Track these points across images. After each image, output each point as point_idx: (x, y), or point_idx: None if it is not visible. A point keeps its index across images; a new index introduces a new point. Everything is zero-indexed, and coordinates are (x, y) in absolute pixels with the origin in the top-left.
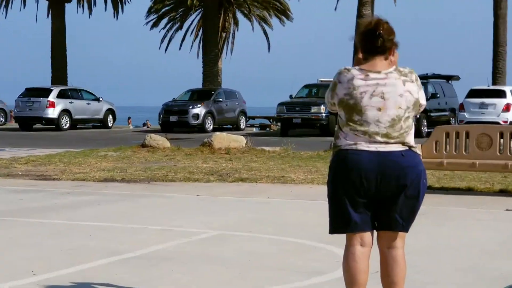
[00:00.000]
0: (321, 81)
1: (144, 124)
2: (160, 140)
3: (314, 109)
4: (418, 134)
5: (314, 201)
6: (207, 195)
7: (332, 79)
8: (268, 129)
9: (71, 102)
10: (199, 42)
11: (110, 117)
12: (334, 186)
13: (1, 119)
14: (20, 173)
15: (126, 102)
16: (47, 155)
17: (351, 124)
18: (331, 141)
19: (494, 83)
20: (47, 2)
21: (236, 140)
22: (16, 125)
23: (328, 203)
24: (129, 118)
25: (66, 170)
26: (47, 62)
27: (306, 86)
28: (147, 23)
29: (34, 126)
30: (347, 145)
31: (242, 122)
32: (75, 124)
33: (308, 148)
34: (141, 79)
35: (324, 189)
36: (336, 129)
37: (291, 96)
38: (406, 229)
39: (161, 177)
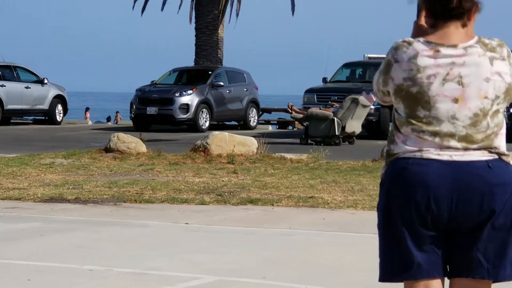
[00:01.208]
0: (369, 58)
1: (109, 119)
2: (132, 142)
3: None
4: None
5: (357, 234)
6: (200, 223)
7: (385, 56)
8: (290, 127)
9: (2, 86)
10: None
11: (59, 107)
12: (388, 211)
13: None
14: None
15: (83, 87)
16: None
17: (413, 122)
18: (383, 147)
19: None
20: None
21: (244, 143)
22: None
23: (378, 236)
24: (87, 109)
25: None
26: None
27: (347, 66)
28: None
29: None
30: (407, 153)
31: (253, 117)
32: (8, 117)
33: (349, 155)
34: (105, 54)
35: (372, 216)
36: (390, 129)
37: (325, 80)
38: (493, 276)
39: (133, 196)
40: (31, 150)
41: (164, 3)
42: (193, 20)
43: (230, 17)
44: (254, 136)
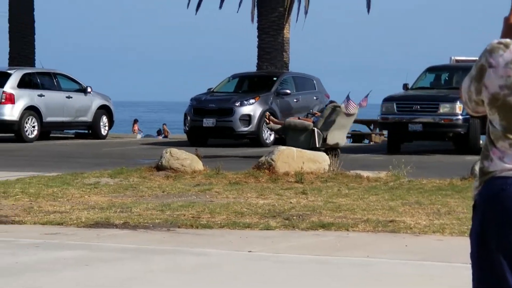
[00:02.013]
0: (456, 61)
1: (160, 132)
2: (187, 159)
3: (444, 108)
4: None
5: (447, 264)
6: (265, 251)
7: (476, 60)
8: (366, 141)
9: (41, 95)
10: None
11: (104, 119)
12: (483, 239)
13: None
14: None
15: (130, 96)
16: (1, 182)
17: (511, 136)
18: (474, 163)
19: None
20: None
21: (314, 160)
22: None
23: (472, 267)
24: (135, 121)
25: (33, 207)
26: (1, 30)
27: (431, 70)
28: None
29: None
30: (505, 171)
31: None
32: (47, 130)
33: (435, 173)
34: (153, 58)
35: (463, 243)
36: (484, 143)
37: (405, 87)
38: None
39: (188, 220)
40: (73, 168)
41: (222, 0)
42: (255, 19)
43: (297, 15)
44: (325, 151)
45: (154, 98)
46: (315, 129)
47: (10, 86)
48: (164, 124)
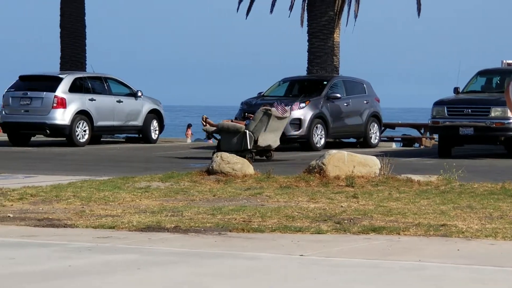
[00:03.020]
0: (508, 64)
1: (209, 137)
2: (238, 163)
3: (496, 112)
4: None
5: (500, 268)
6: (317, 255)
7: None
8: (416, 144)
9: (92, 100)
10: (303, 0)
11: (155, 123)
12: None
13: None
14: (10, 216)
15: (182, 100)
16: (53, 186)
17: None
18: None
19: None
20: None
21: (365, 164)
22: (4, 136)
23: None
24: (189, 126)
25: (84, 211)
26: (53, 35)
27: (482, 74)
28: None
29: (33, 139)
30: None
31: (374, 133)
32: (98, 135)
33: (486, 177)
34: (203, 62)
35: None
36: None
37: (456, 90)
38: None
39: (240, 224)
40: (124, 172)
41: (273, 5)
42: (305, 23)
43: (347, 20)
44: (376, 155)
45: (204, 103)
46: (247, 131)
47: (61, 91)
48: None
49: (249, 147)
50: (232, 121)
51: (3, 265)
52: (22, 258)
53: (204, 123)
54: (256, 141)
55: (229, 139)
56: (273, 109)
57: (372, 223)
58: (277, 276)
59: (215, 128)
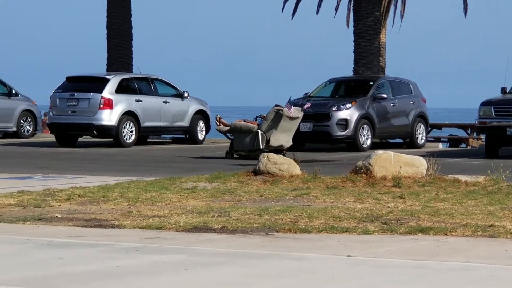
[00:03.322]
0: None
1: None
2: (284, 163)
3: None
4: None
5: None
6: (364, 255)
7: None
8: (463, 145)
9: (138, 100)
10: (349, 1)
11: (201, 124)
12: None
13: (28, 127)
14: (58, 216)
15: (226, 100)
16: (101, 186)
17: None
18: None
19: None
20: None
21: (412, 164)
22: (52, 137)
23: None
24: None
25: (131, 211)
26: (100, 36)
27: None
28: None
29: (80, 139)
30: None
31: (421, 133)
32: (145, 136)
33: None
34: (248, 62)
35: None
36: None
37: (504, 91)
38: None
39: (286, 224)
40: (170, 173)
41: (319, 5)
42: (351, 24)
43: (393, 20)
44: (423, 156)
45: (249, 103)
46: (259, 131)
47: (108, 92)
48: None
49: (261, 147)
50: (244, 121)
51: (52, 265)
52: (70, 259)
53: (218, 123)
54: (268, 141)
55: (242, 139)
56: (285, 109)
57: (419, 224)
58: (324, 276)
59: (228, 128)
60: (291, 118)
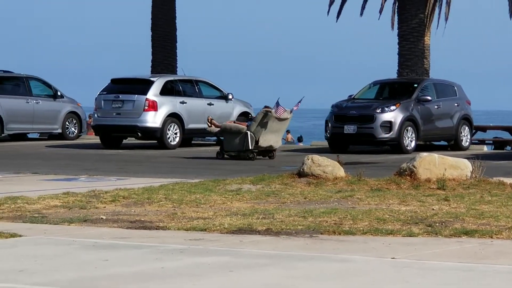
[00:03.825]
0: None
1: (300, 139)
2: (329, 165)
3: None
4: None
5: None
6: (408, 258)
7: None
8: (508, 147)
9: (183, 102)
10: (394, 3)
11: None
12: None
13: (73, 129)
14: (103, 218)
15: (271, 102)
16: (145, 188)
17: None
18: None
19: None
20: None
21: (456, 166)
22: (97, 139)
23: None
24: (287, 131)
25: (176, 213)
26: (144, 38)
27: None
28: None
29: (125, 141)
30: None
31: (465, 136)
32: (189, 137)
33: None
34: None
35: None
36: None
37: None
38: None
39: (331, 226)
40: (215, 175)
41: (363, 7)
42: (396, 26)
43: (438, 22)
44: (467, 158)
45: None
46: (248, 132)
47: (153, 94)
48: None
49: (250, 147)
50: (234, 122)
51: (97, 267)
52: (115, 260)
53: (209, 124)
54: (257, 142)
55: (231, 140)
56: (273, 110)
57: (464, 226)
58: (369, 279)
59: (219, 129)
60: (279, 119)
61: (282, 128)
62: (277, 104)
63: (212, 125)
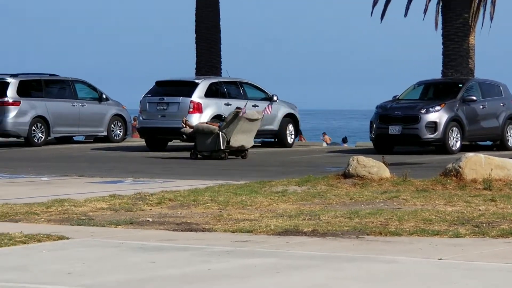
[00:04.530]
0: None
1: (345, 140)
2: (374, 166)
3: None
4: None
5: None
6: (455, 259)
7: None
8: None
9: (227, 104)
10: (438, 3)
11: (291, 127)
12: None
13: (118, 132)
14: (150, 220)
15: (316, 104)
16: (191, 190)
17: None
18: None
19: None
20: None
21: (503, 167)
22: (142, 141)
23: None
24: (324, 134)
25: (222, 215)
26: (189, 40)
27: None
28: None
29: (170, 144)
30: None
31: (511, 136)
32: None
33: None
34: (336, 66)
35: None
36: None
37: None
38: None
39: (377, 227)
40: (260, 176)
41: (407, 8)
42: (440, 26)
43: (482, 22)
44: None
45: (337, 107)
46: (220, 132)
47: (197, 96)
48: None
49: (222, 147)
50: (207, 123)
51: (144, 269)
52: (162, 262)
53: (184, 125)
54: (228, 142)
55: (204, 140)
56: (243, 110)
57: (511, 227)
58: (416, 280)
59: (192, 130)
60: (250, 120)
61: (253, 129)
62: (245, 104)
63: (186, 126)
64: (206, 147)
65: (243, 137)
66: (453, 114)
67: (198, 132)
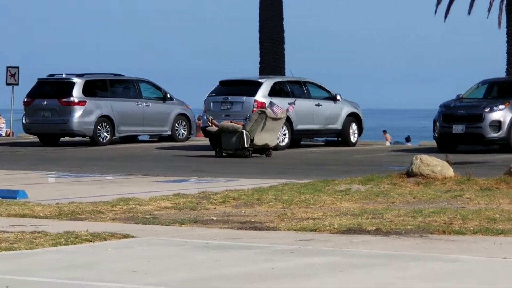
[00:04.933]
0: None
1: (408, 139)
2: (438, 165)
3: None
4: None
5: None
6: None
7: None
8: None
9: (291, 103)
10: (501, 1)
11: (354, 127)
12: None
13: (183, 131)
14: (214, 219)
15: (378, 103)
16: (255, 189)
17: None
18: None
19: None
20: None
21: None
22: (206, 141)
23: None
24: (384, 132)
25: (286, 214)
26: (253, 40)
27: None
28: None
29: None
30: None
31: None
32: (297, 138)
33: None
34: (400, 65)
35: None
36: None
37: None
38: None
39: (441, 226)
40: (323, 175)
41: (471, 6)
42: (503, 24)
43: None
44: None
45: (402, 106)
46: (244, 131)
47: (261, 95)
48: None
49: (246, 146)
50: (231, 122)
51: (209, 267)
52: (226, 260)
53: (210, 124)
54: (252, 140)
55: (229, 138)
56: (268, 110)
57: None
58: (482, 279)
59: (217, 128)
60: (274, 119)
61: (277, 127)
62: (271, 104)
63: (212, 125)
64: (230, 145)
65: (267, 136)
66: None
67: (223, 131)
